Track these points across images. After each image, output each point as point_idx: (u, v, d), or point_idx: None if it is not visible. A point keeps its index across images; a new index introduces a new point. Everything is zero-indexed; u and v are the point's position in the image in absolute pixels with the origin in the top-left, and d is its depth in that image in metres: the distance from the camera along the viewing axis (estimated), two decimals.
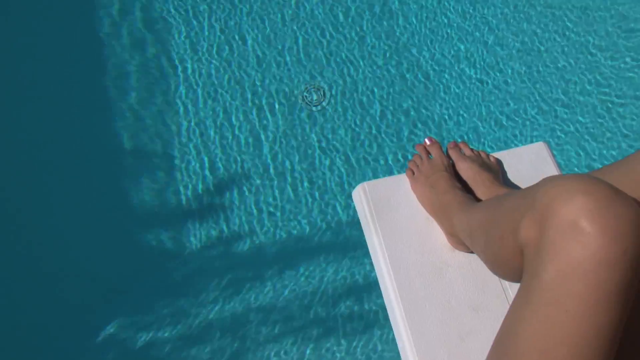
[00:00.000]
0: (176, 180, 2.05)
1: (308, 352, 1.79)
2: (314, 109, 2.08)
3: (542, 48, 2.26)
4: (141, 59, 2.25)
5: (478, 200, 1.00)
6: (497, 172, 1.06)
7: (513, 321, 0.61)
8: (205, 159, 2.09)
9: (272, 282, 1.91)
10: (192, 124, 2.15)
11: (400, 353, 1.00)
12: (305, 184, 2.07)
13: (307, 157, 2.11)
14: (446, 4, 2.34)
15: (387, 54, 2.21)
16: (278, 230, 2.00)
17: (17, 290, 1.84)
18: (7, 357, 1.74)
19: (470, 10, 2.29)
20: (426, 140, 1.10)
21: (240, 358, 1.77)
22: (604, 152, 2.08)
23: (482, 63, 2.24)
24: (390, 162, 2.10)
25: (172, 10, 2.34)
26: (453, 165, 1.08)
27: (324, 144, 2.12)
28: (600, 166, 1.89)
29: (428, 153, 1.09)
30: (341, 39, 2.26)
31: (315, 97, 2.07)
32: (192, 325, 1.82)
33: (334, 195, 2.06)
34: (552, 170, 1.11)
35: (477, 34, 2.31)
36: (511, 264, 0.65)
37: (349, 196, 2.04)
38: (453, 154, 1.08)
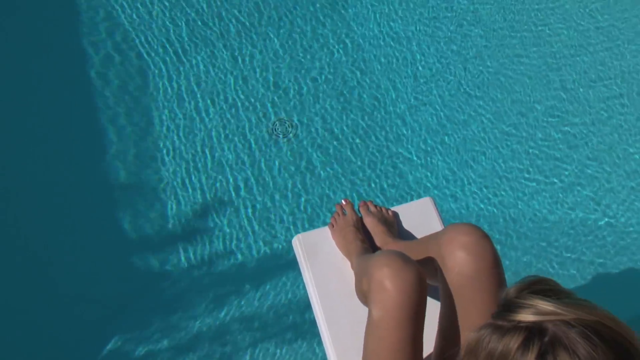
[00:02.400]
0: (165, 210, 2.34)
1: (285, 352, 2.10)
2: (283, 139, 2.45)
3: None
4: (129, 99, 2.55)
5: (375, 246, 1.42)
6: (392, 223, 1.47)
7: (365, 336, 1.04)
8: (190, 191, 2.39)
9: (251, 295, 2.21)
10: (177, 163, 2.45)
11: (327, 356, 1.41)
12: (281, 209, 2.38)
13: (279, 184, 2.43)
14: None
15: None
16: (255, 251, 2.31)
17: (37, 312, 2.11)
18: None
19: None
20: (342, 200, 1.52)
21: None
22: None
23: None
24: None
25: (154, 54, 2.65)
26: (362, 219, 1.49)
27: (294, 173, 2.46)
28: None
29: (343, 210, 1.51)
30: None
31: (283, 129, 2.45)
32: (184, 335, 2.11)
33: (305, 219, 2.39)
34: (436, 220, 1.51)
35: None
36: (363, 300, 1.08)
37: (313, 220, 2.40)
38: (362, 210, 1.50)
